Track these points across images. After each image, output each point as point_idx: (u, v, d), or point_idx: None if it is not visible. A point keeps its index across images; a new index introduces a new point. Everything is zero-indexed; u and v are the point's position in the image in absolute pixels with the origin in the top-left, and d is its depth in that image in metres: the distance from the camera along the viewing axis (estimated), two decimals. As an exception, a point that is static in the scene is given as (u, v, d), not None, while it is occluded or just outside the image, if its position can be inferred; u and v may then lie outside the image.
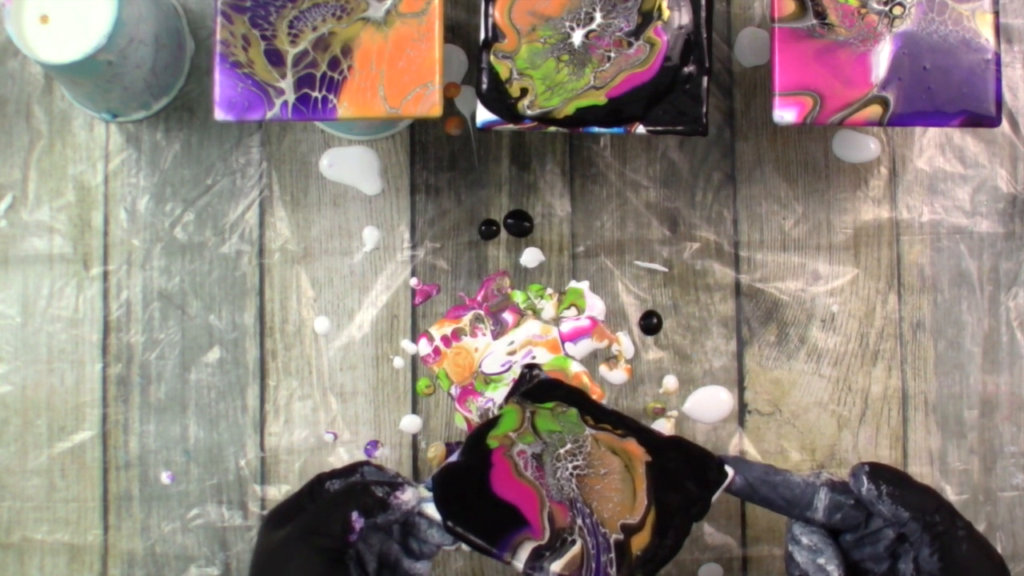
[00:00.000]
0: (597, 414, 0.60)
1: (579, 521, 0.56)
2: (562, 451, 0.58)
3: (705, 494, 0.56)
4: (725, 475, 0.57)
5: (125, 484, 0.68)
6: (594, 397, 0.68)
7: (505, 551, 0.54)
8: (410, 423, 0.69)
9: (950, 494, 0.69)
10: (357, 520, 0.52)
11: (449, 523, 0.55)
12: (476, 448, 0.58)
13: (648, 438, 0.59)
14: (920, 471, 0.69)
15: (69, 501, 0.68)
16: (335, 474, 0.57)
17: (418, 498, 0.55)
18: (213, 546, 0.68)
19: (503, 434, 0.59)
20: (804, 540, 0.56)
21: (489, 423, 0.60)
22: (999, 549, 0.69)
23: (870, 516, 0.56)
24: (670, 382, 0.69)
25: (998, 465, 0.69)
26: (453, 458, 0.58)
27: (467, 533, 0.55)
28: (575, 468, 0.57)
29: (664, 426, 0.69)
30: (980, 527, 0.69)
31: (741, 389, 0.69)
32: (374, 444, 0.69)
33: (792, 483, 0.56)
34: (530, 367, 0.65)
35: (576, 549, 0.55)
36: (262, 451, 0.69)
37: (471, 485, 0.57)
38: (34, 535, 0.68)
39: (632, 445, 0.58)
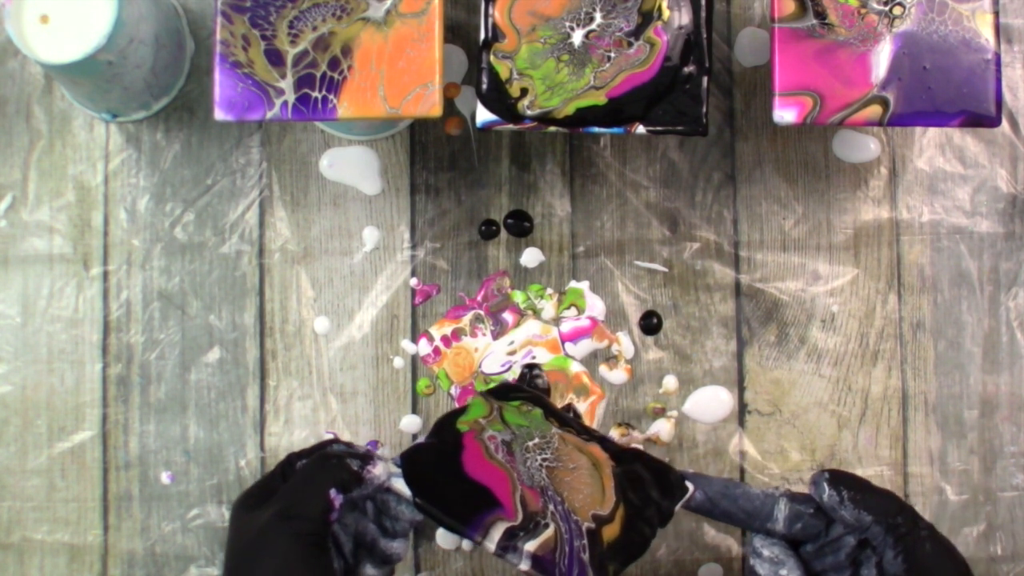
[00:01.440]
0: (559, 419, 0.59)
1: (551, 507, 0.55)
2: (530, 444, 0.57)
3: (668, 504, 0.56)
4: (685, 489, 0.56)
5: (125, 484, 0.68)
6: (592, 397, 0.68)
7: (477, 531, 0.53)
8: (410, 423, 0.69)
9: (950, 494, 0.69)
10: (336, 497, 0.52)
11: (418, 500, 0.54)
12: (445, 430, 0.57)
13: (611, 447, 0.58)
14: (920, 471, 0.69)
15: (69, 501, 0.68)
16: (304, 454, 0.57)
17: (388, 472, 0.55)
18: (213, 546, 0.68)
19: (472, 420, 0.58)
20: (765, 552, 0.56)
21: (457, 410, 0.59)
22: (999, 549, 0.69)
23: (830, 524, 0.56)
24: (670, 382, 0.69)
25: (998, 465, 0.69)
26: (421, 439, 0.57)
27: (435, 509, 0.54)
28: (544, 460, 0.57)
29: (664, 426, 0.68)
30: (980, 527, 0.69)
31: (741, 389, 0.69)
32: (374, 444, 0.69)
33: (752, 495, 0.56)
34: (530, 367, 0.65)
35: (550, 532, 0.54)
36: (262, 451, 0.69)
37: (442, 464, 0.55)
38: (34, 535, 0.68)
39: (596, 449, 0.57)
